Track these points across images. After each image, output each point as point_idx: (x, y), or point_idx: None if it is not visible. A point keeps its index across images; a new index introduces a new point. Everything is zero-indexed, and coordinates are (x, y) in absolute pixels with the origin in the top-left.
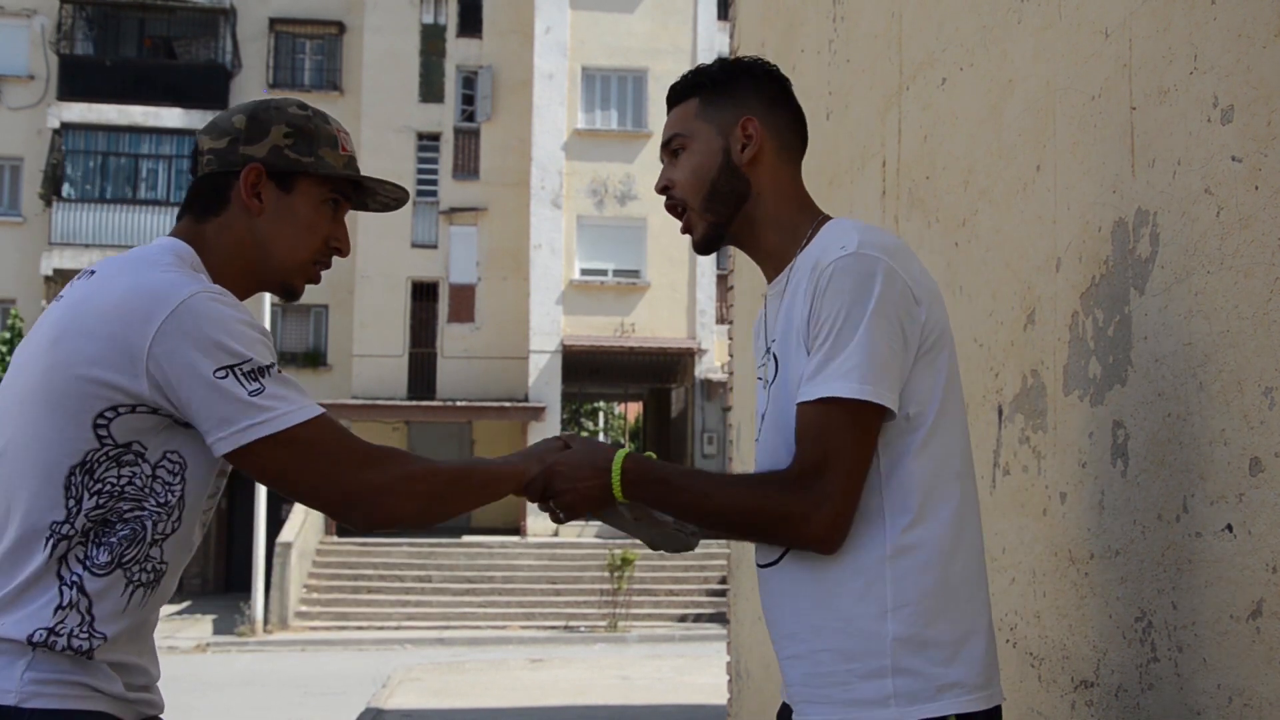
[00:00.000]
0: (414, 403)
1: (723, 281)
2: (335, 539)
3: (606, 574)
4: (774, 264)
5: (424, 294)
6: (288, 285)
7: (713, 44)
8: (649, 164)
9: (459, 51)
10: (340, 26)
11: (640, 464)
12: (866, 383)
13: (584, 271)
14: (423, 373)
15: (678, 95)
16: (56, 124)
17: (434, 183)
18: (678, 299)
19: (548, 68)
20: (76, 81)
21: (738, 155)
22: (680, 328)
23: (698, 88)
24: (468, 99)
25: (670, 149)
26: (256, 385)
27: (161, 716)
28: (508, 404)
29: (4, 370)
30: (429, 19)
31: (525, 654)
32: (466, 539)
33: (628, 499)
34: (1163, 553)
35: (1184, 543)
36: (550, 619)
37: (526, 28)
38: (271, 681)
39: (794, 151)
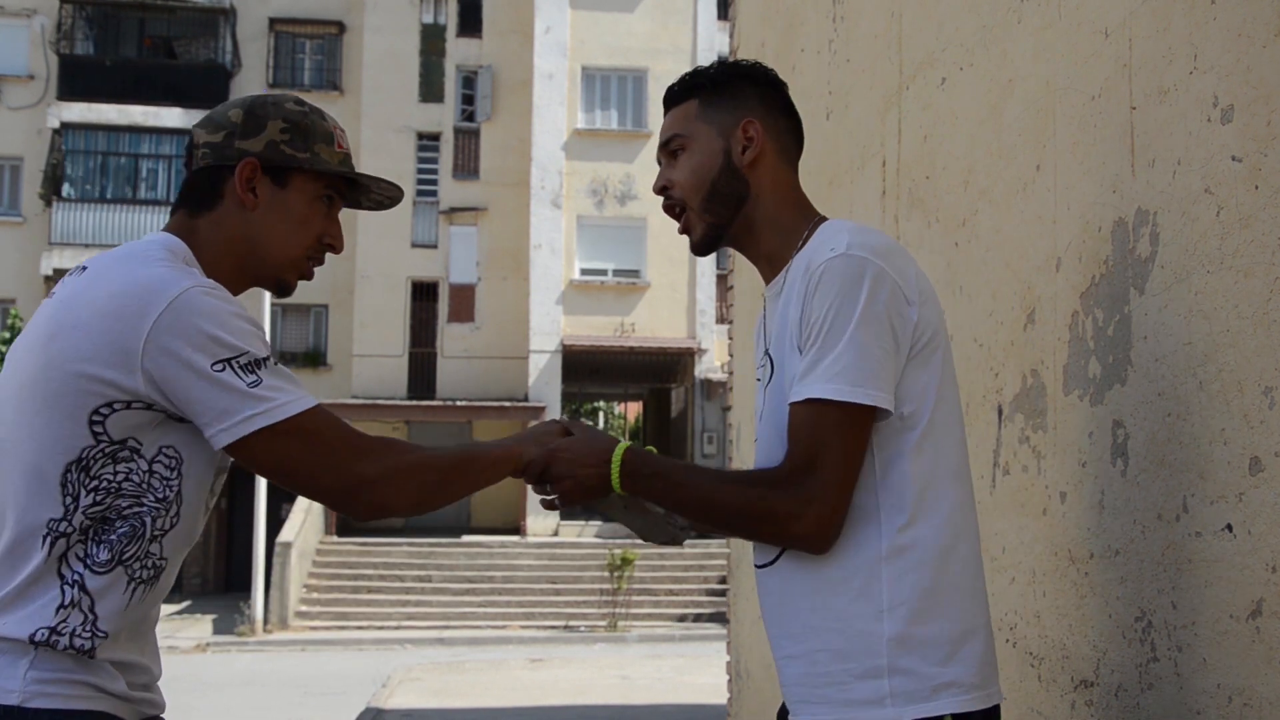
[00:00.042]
0: (414, 402)
1: (723, 281)
2: (335, 539)
3: (606, 574)
4: (771, 265)
5: (424, 294)
6: (281, 281)
7: (713, 44)
8: (649, 164)
9: (459, 51)
10: (340, 26)
11: (640, 457)
12: (855, 384)
13: (584, 271)
14: (423, 372)
15: (676, 97)
16: (56, 124)
17: (434, 183)
18: (678, 299)
19: (548, 68)
20: (76, 81)
21: (738, 157)
22: (680, 328)
23: (697, 89)
24: (468, 99)
25: (669, 149)
26: (254, 377)
27: (163, 716)
28: (508, 404)
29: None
30: (429, 19)
31: (525, 654)
32: (466, 539)
33: (625, 491)
34: (1163, 552)
35: (1184, 542)
36: (550, 619)
37: (526, 28)
38: (271, 681)
39: (792, 154)
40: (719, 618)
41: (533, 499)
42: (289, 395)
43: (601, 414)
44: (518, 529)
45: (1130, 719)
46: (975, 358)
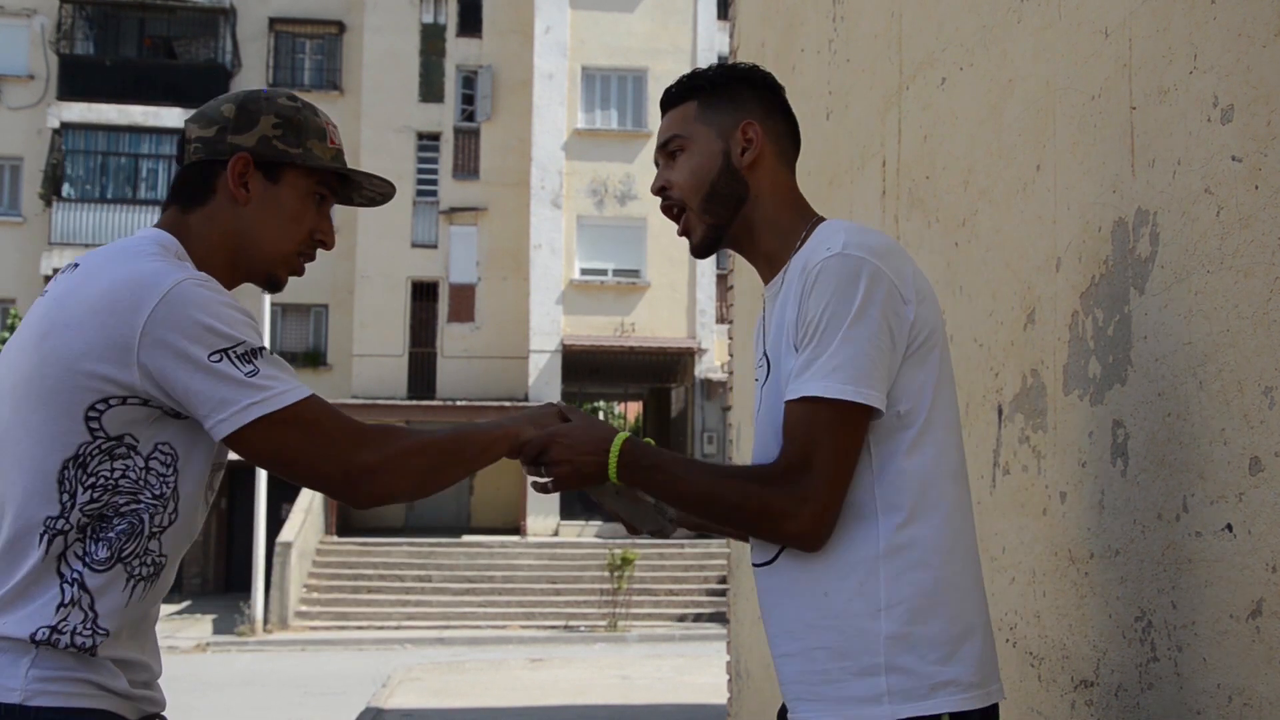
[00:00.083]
0: (414, 402)
1: (723, 281)
2: (335, 539)
3: (606, 574)
4: (771, 266)
5: (424, 294)
6: (272, 276)
7: (713, 44)
8: (649, 164)
9: (459, 51)
10: (340, 26)
11: (638, 448)
12: (849, 382)
13: (584, 271)
14: (423, 372)
15: (674, 99)
16: (56, 124)
17: (434, 183)
18: (678, 299)
19: (548, 68)
20: (76, 81)
21: (738, 158)
22: (680, 327)
23: (696, 91)
24: (468, 99)
25: (667, 150)
26: (251, 367)
27: (164, 714)
28: (508, 404)
29: None
30: (429, 19)
31: (525, 654)
32: (466, 539)
33: (621, 482)
34: (1163, 552)
35: (1184, 542)
36: (550, 619)
37: (526, 27)
38: (271, 681)
39: (790, 156)
40: (719, 618)
41: (533, 499)
42: (286, 384)
43: (601, 414)
44: (518, 529)
45: (1130, 719)
46: (975, 358)
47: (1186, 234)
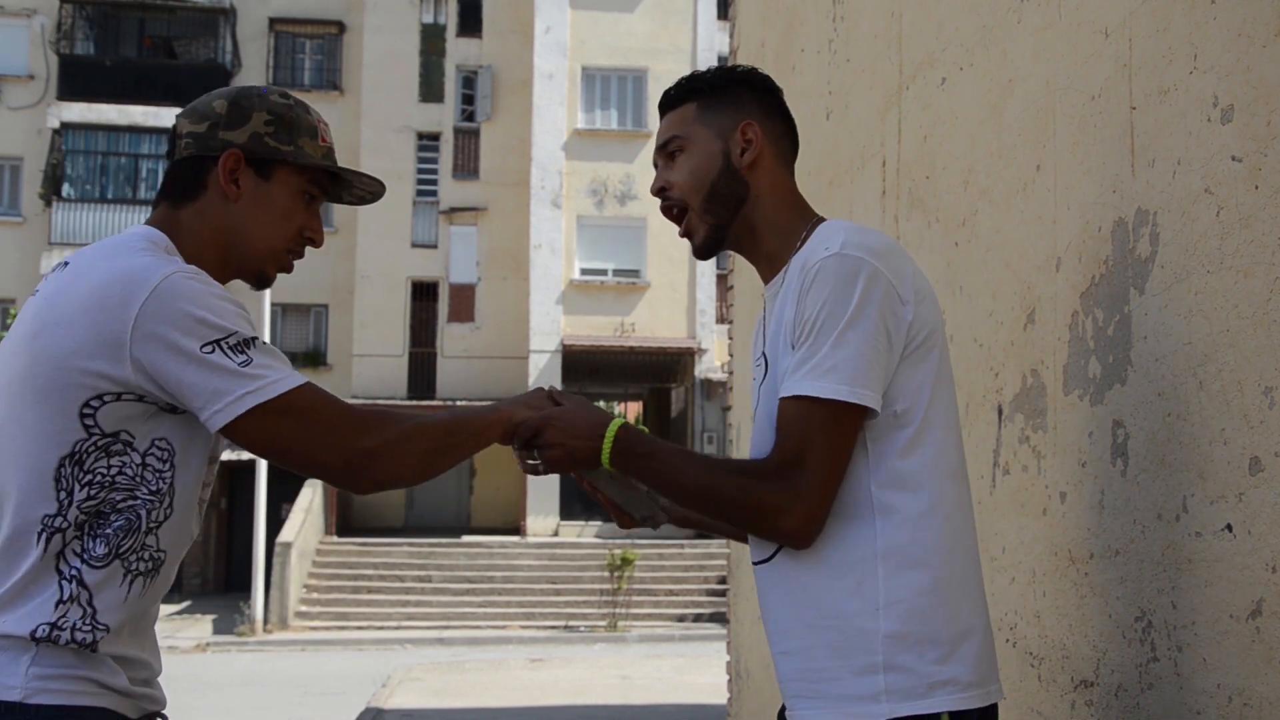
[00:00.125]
0: (414, 402)
1: (723, 281)
2: (335, 539)
3: (606, 574)
4: (771, 267)
5: (424, 294)
6: (261, 273)
7: (713, 44)
8: (649, 164)
9: (459, 51)
10: (340, 26)
11: (633, 435)
12: (844, 383)
13: (584, 271)
14: (423, 372)
15: (673, 100)
16: (56, 124)
17: (434, 183)
18: (678, 299)
19: (548, 68)
20: (76, 81)
21: (737, 159)
22: (680, 327)
23: (695, 93)
24: (468, 99)
25: (667, 151)
26: (244, 357)
27: (164, 712)
28: None
29: None
30: (429, 19)
31: (525, 654)
32: (466, 539)
33: (614, 468)
34: (1163, 552)
35: (1184, 542)
36: (550, 619)
37: (526, 28)
38: (271, 681)
39: (789, 157)
40: (719, 618)
41: (533, 499)
42: (280, 373)
43: None
44: (518, 529)
45: (1130, 719)
46: (975, 358)
47: (1186, 234)
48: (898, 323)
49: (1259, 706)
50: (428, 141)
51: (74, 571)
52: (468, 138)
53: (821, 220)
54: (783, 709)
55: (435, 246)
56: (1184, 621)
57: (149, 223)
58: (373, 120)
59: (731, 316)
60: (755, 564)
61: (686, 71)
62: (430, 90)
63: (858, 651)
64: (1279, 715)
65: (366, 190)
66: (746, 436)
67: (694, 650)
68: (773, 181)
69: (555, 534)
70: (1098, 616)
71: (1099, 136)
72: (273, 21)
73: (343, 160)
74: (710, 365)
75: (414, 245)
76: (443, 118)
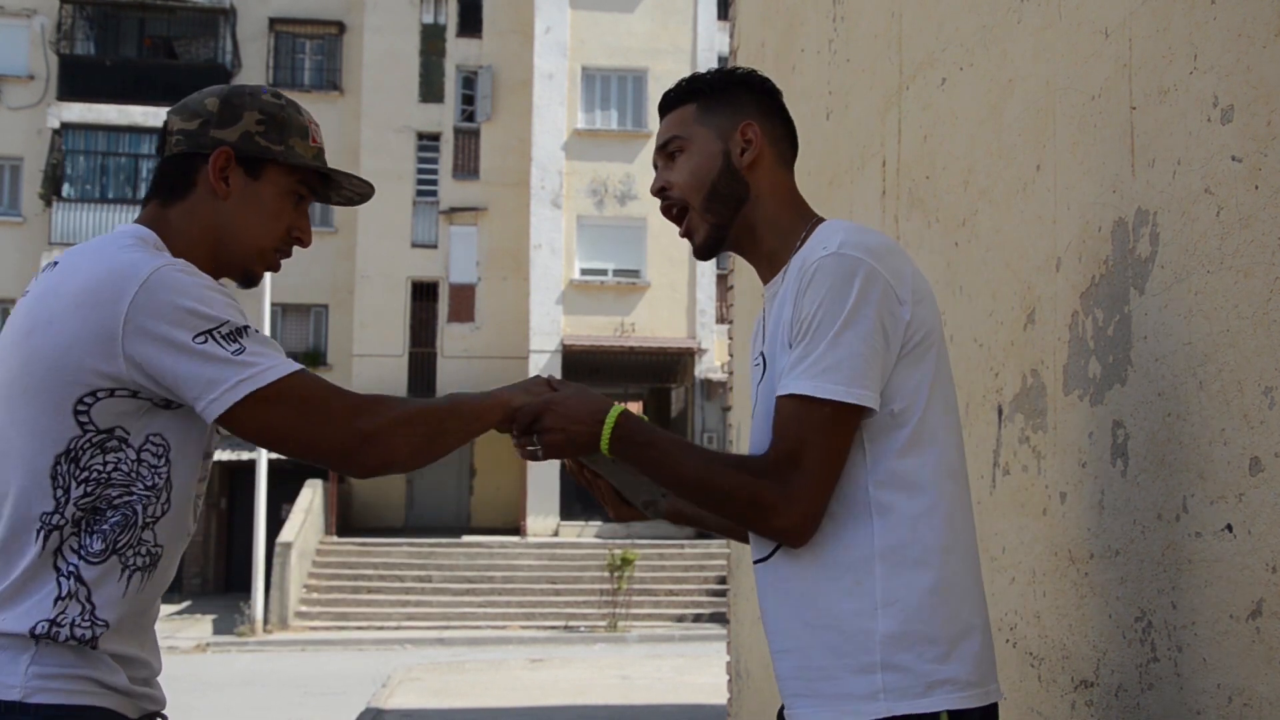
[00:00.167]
0: None
1: (723, 281)
2: (335, 539)
3: (606, 574)
4: (770, 267)
5: (424, 294)
6: (248, 271)
7: (713, 44)
8: (649, 164)
9: (459, 51)
10: (340, 26)
11: (633, 423)
12: (841, 382)
13: (584, 271)
14: (423, 372)
15: (673, 101)
16: (56, 124)
17: (434, 183)
18: (678, 299)
19: (548, 68)
20: (76, 81)
21: (737, 159)
22: (680, 328)
23: (695, 94)
24: (468, 99)
25: (667, 152)
26: (237, 345)
27: (164, 712)
28: None
29: None
30: (429, 19)
31: (525, 654)
32: (466, 539)
33: (613, 455)
34: (1163, 553)
35: (1184, 543)
36: (550, 619)
37: (526, 28)
38: (271, 681)
39: (788, 158)
40: (719, 618)
41: (533, 499)
42: (273, 360)
43: None
44: (518, 529)
45: (1130, 719)
46: (975, 358)
47: (1186, 234)
48: (895, 322)
49: (1259, 706)
50: (428, 141)
51: (72, 568)
52: (468, 138)
53: (821, 220)
54: (781, 709)
55: (435, 246)
56: (1184, 621)
57: (138, 221)
58: (373, 120)
59: (731, 316)
60: (755, 563)
61: (686, 71)
62: (430, 90)
63: (856, 651)
64: (1279, 715)
65: (355, 191)
66: (746, 436)
67: (694, 650)
68: (772, 182)
69: (555, 534)
70: (1098, 616)
71: (1099, 136)
72: (273, 21)
73: (343, 160)
74: (710, 365)
75: (414, 245)
76: (443, 118)
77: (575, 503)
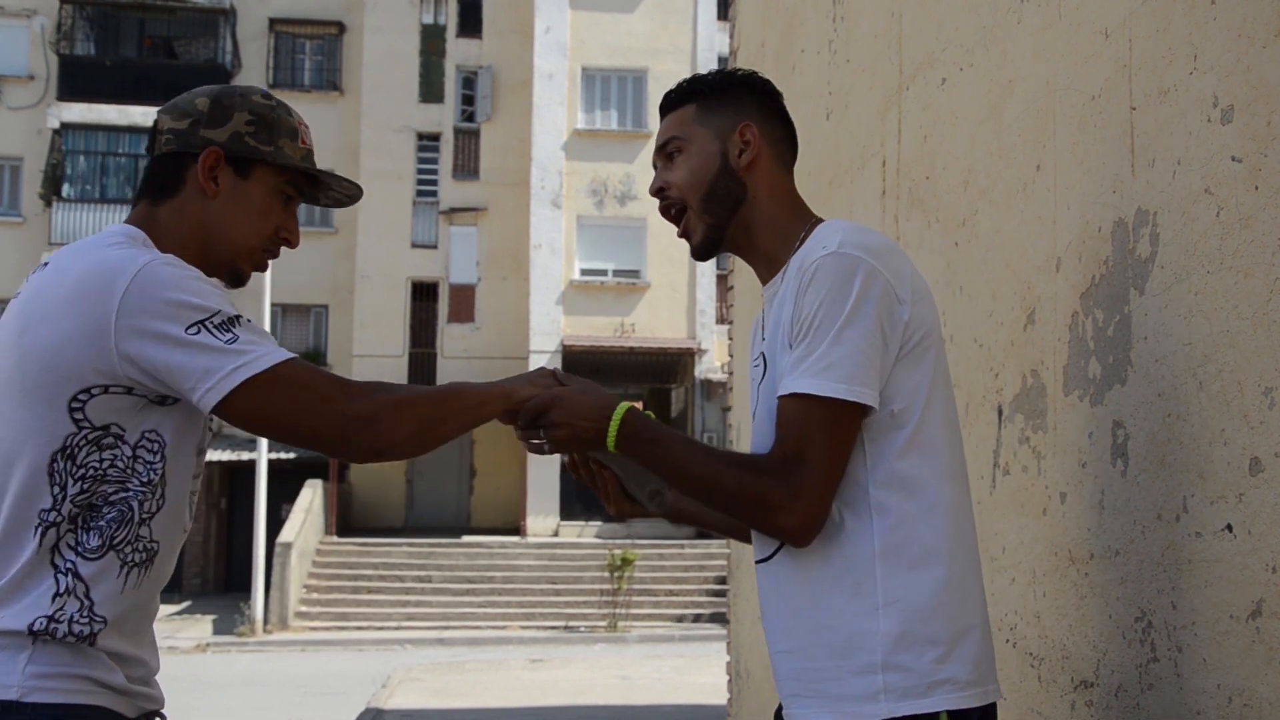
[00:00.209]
0: None
1: (723, 281)
2: (335, 539)
3: (606, 574)
4: (769, 267)
5: (424, 294)
6: (236, 270)
7: (713, 44)
8: (649, 164)
9: (459, 51)
10: (340, 26)
11: (640, 420)
12: (843, 381)
13: (584, 271)
14: (423, 373)
15: (673, 102)
16: (56, 124)
17: (434, 183)
18: (678, 299)
19: (548, 68)
20: (76, 81)
21: (735, 159)
22: (680, 328)
23: (695, 95)
24: (468, 99)
25: (665, 152)
26: (230, 334)
27: (162, 711)
28: None
29: None
30: (429, 19)
31: (525, 654)
32: (466, 539)
33: (619, 451)
34: (1163, 553)
35: (1184, 543)
36: (550, 619)
37: (526, 28)
38: (271, 681)
39: (788, 159)
40: (719, 618)
41: (533, 499)
42: (267, 348)
43: None
44: (518, 529)
45: (1130, 719)
46: (975, 358)
47: (1186, 234)
48: (894, 322)
49: (1259, 707)
50: (428, 142)
51: (69, 564)
52: (468, 138)
53: (820, 221)
54: (779, 709)
55: (435, 247)
56: (1184, 622)
57: (128, 221)
58: (373, 120)
59: (731, 316)
60: (756, 562)
61: (686, 72)
62: (430, 90)
63: (857, 651)
64: (1279, 716)
65: (344, 193)
66: (746, 437)
67: (694, 650)
68: (770, 183)
69: (555, 534)
70: (1098, 617)
71: (1099, 136)
72: (273, 22)
73: (343, 160)
74: (710, 365)
75: (414, 245)
76: (443, 118)
77: (575, 503)
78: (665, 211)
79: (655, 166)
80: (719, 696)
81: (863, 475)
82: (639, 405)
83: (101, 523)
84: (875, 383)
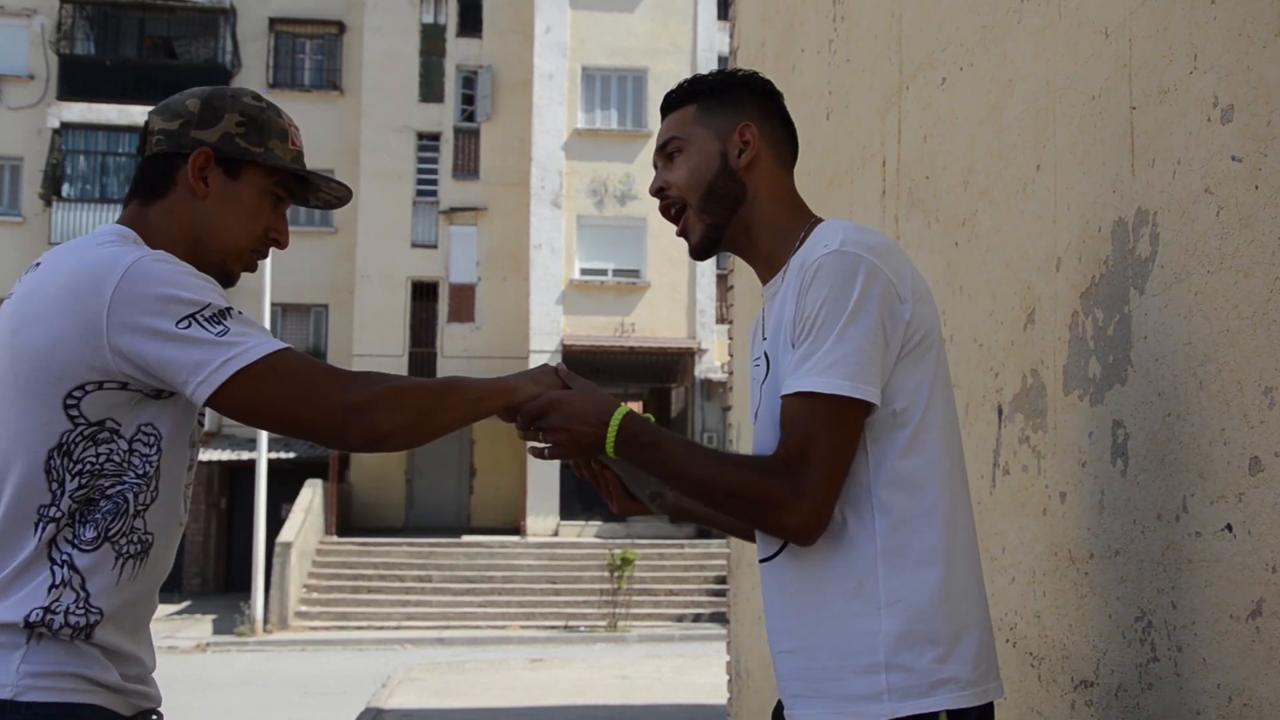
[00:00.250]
0: None
1: (723, 281)
2: (335, 539)
3: (606, 574)
4: (769, 267)
5: (424, 294)
6: (225, 270)
7: (713, 44)
8: (649, 164)
9: (459, 51)
10: (340, 26)
11: (639, 424)
12: (846, 378)
13: (584, 271)
14: (423, 372)
15: (674, 102)
16: (56, 124)
17: (434, 183)
18: (678, 299)
19: (548, 68)
20: (76, 81)
21: (735, 159)
22: (680, 328)
23: (695, 95)
24: (468, 99)
25: (666, 152)
26: (221, 327)
27: (159, 710)
28: None
29: None
30: (429, 19)
31: (525, 654)
32: (466, 539)
33: (619, 456)
34: (1163, 553)
35: (1184, 542)
36: (550, 619)
37: (526, 28)
38: (271, 681)
39: (788, 160)
40: (719, 618)
41: (533, 499)
42: (259, 339)
43: None
44: (518, 529)
45: (1130, 719)
46: (975, 358)
47: (1186, 234)
48: (895, 321)
49: (1259, 706)
50: (428, 141)
51: (65, 557)
52: (468, 138)
53: (820, 221)
54: (779, 708)
55: (435, 246)
56: (1184, 621)
57: (119, 220)
58: (373, 120)
59: (731, 316)
60: (760, 562)
61: (686, 72)
62: (430, 90)
63: (859, 651)
64: (1279, 715)
65: (333, 195)
66: (747, 437)
67: (694, 650)
68: (770, 183)
69: (555, 534)
70: (1098, 616)
71: (1099, 136)
72: (273, 21)
73: (343, 160)
74: (710, 365)
75: (414, 245)
76: (443, 118)
77: (575, 503)
78: (665, 211)
79: (655, 166)
80: (719, 696)
81: (866, 476)
82: (638, 407)
83: (97, 515)
84: (878, 380)
